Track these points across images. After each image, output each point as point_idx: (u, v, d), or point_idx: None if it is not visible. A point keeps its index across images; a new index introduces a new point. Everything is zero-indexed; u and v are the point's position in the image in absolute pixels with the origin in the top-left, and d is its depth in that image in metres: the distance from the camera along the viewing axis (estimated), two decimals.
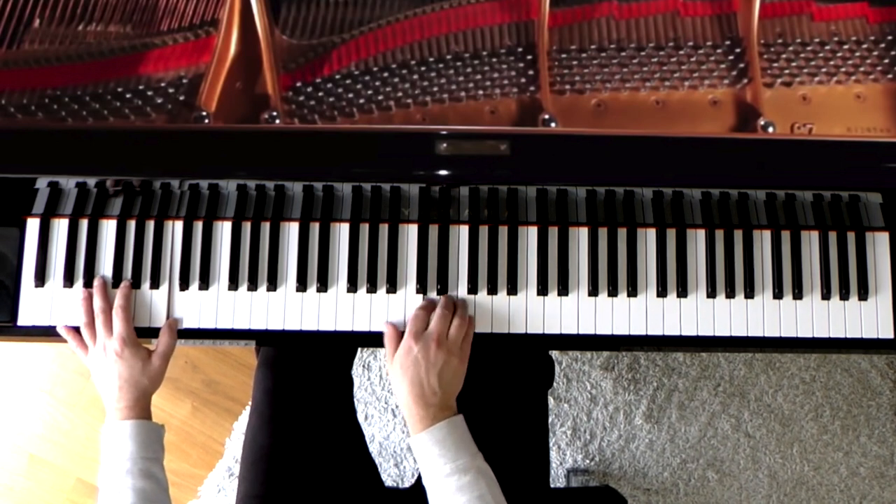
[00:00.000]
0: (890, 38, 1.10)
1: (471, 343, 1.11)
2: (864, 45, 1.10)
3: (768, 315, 1.14)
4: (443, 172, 1.05)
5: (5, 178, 1.11)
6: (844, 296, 1.13)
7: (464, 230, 1.15)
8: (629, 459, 1.81)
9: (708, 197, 1.14)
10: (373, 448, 1.81)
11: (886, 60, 1.09)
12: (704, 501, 1.80)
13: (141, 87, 1.08)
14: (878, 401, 1.83)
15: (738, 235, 1.15)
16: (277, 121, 1.06)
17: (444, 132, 1.05)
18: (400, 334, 1.10)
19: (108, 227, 1.15)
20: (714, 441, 1.82)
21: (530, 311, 1.14)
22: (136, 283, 1.14)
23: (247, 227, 1.15)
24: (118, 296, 1.11)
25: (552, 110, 1.07)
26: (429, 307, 1.10)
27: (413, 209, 1.15)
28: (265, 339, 1.21)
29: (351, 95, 1.07)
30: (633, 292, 1.14)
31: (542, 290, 1.13)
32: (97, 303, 1.11)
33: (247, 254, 1.14)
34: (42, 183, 1.12)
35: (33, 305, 1.13)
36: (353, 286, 1.14)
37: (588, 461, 1.81)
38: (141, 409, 1.08)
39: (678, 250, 1.14)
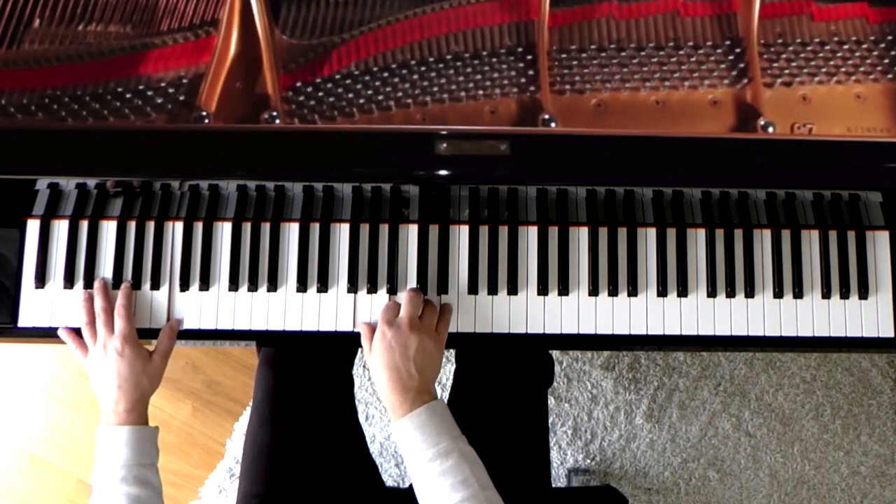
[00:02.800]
0: (890, 38, 1.10)
1: (448, 327, 1.11)
2: (864, 45, 1.10)
3: (769, 314, 1.14)
4: (443, 172, 1.05)
5: (5, 179, 1.11)
6: (845, 295, 1.13)
7: (464, 230, 1.15)
8: (630, 459, 1.81)
9: (708, 196, 1.14)
10: (374, 448, 1.81)
11: (886, 60, 1.09)
12: (705, 501, 1.80)
13: (141, 87, 1.08)
14: (879, 400, 1.83)
15: (739, 235, 1.15)
16: (277, 121, 1.06)
17: (444, 132, 1.05)
18: (374, 330, 1.10)
19: (109, 229, 1.15)
20: (715, 440, 1.82)
21: (531, 311, 1.14)
22: (136, 284, 1.14)
23: (247, 227, 1.15)
24: (120, 295, 1.11)
25: (552, 110, 1.07)
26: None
27: (413, 209, 1.15)
28: (266, 340, 1.21)
29: (351, 95, 1.07)
30: (633, 292, 1.14)
31: (543, 290, 1.13)
32: (98, 302, 1.11)
33: (247, 254, 1.14)
34: (42, 184, 1.12)
35: (34, 307, 1.13)
36: (353, 286, 1.14)
37: (589, 461, 1.81)
38: (139, 413, 1.08)
39: (678, 250, 1.14)
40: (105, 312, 1.10)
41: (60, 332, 1.12)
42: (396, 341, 1.05)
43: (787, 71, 1.09)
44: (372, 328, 1.11)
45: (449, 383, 1.57)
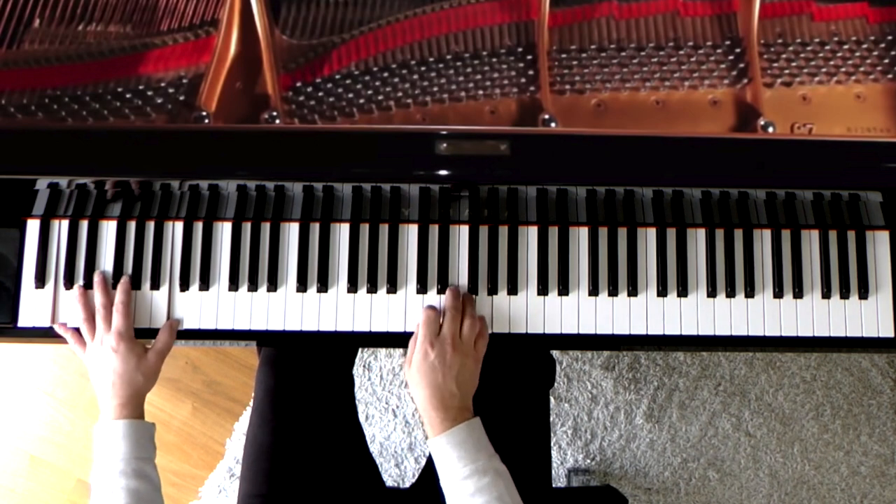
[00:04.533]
0: (890, 38, 1.10)
1: (486, 344, 1.11)
2: (864, 45, 1.10)
3: (769, 314, 1.14)
4: (443, 172, 1.05)
5: (5, 179, 1.11)
6: (845, 295, 1.13)
7: (464, 230, 1.15)
8: (630, 459, 1.81)
9: (708, 196, 1.14)
10: (374, 448, 1.81)
11: (886, 60, 1.09)
12: (705, 501, 1.80)
13: (141, 87, 1.08)
14: (879, 400, 1.83)
15: (739, 235, 1.15)
16: (277, 121, 1.06)
17: (444, 132, 1.05)
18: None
19: (109, 228, 1.15)
20: (715, 440, 1.82)
21: (531, 311, 1.14)
22: (136, 284, 1.14)
23: (247, 227, 1.15)
24: (119, 291, 1.12)
25: (552, 110, 1.07)
26: (438, 308, 1.11)
27: (413, 209, 1.15)
28: (266, 340, 1.21)
29: (351, 95, 1.07)
30: (633, 292, 1.14)
31: (543, 290, 1.13)
32: (98, 298, 1.11)
33: (247, 254, 1.14)
34: (42, 184, 1.12)
35: (34, 306, 1.13)
36: (353, 286, 1.14)
37: (589, 461, 1.81)
38: (134, 407, 1.08)
39: (678, 250, 1.14)
40: (104, 308, 1.11)
41: (57, 328, 1.13)
42: (440, 361, 1.05)
43: (787, 71, 1.09)
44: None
45: None
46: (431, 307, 1.10)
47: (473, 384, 1.08)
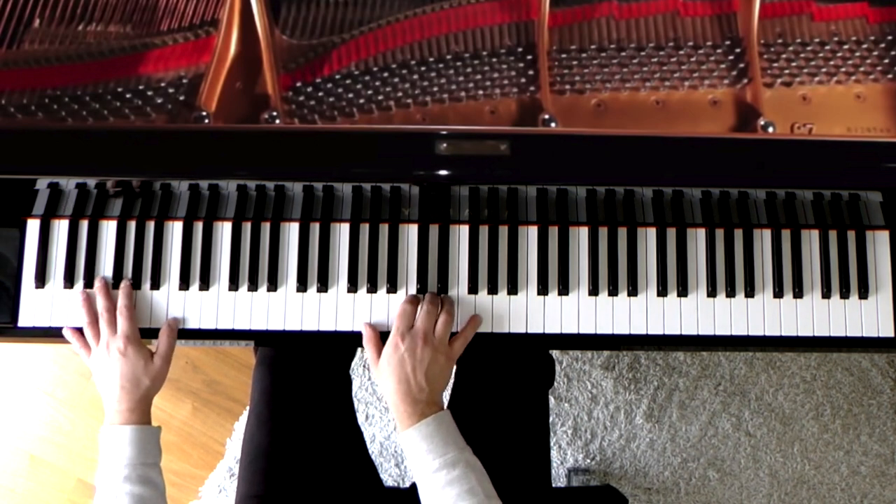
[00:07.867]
0: (890, 38, 1.10)
1: (466, 343, 1.11)
2: (864, 45, 1.10)
3: (769, 314, 1.14)
4: (443, 172, 1.05)
5: (5, 179, 1.11)
6: (845, 294, 1.13)
7: (464, 230, 1.15)
8: (630, 459, 1.81)
9: (708, 196, 1.14)
10: (374, 448, 1.81)
11: (886, 60, 1.09)
12: (705, 500, 1.80)
13: (141, 87, 1.08)
14: (879, 399, 1.83)
15: (739, 234, 1.15)
16: (277, 121, 1.06)
17: (444, 132, 1.05)
18: (379, 335, 1.10)
19: (109, 228, 1.15)
20: (715, 440, 1.82)
21: (531, 311, 1.14)
22: (136, 284, 1.14)
23: (247, 227, 1.15)
24: (121, 295, 1.12)
25: (552, 110, 1.07)
26: (416, 302, 1.11)
27: (413, 209, 1.15)
28: (266, 340, 1.21)
29: (351, 95, 1.07)
30: (633, 292, 1.14)
31: (543, 290, 1.13)
32: (101, 302, 1.11)
33: (247, 254, 1.14)
34: (42, 184, 1.12)
35: (34, 306, 1.13)
36: (353, 286, 1.14)
37: (589, 460, 1.81)
38: (141, 412, 1.08)
39: (678, 249, 1.14)
40: (108, 312, 1.10)
41: (65, 332, 1.12)
42: (410, 354, 1.05)
43: (787, 71, 1.09)
44: (375, 331, 1.10)
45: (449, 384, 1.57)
46: (408, 301, 1.10)
47: (445, 380, 1.08)
